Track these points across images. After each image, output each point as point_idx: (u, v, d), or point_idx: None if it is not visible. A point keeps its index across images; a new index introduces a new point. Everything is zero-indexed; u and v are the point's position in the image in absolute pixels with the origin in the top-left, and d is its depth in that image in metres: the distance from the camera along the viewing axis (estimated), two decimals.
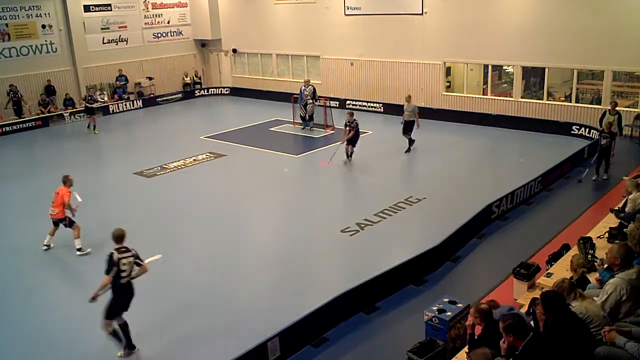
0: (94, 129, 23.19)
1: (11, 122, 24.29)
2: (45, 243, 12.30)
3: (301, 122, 22.15)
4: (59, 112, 25.76)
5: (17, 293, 10.71)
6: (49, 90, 26.23)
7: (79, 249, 11.99)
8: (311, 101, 21.64)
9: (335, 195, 14.90)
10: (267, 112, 25.25)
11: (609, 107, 16.35)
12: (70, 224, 12.12)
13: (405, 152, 18.04)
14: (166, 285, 10.54)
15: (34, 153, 21.45)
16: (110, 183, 16.86)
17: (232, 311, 9.64)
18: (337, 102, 25.29)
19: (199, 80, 31.57)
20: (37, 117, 24.99)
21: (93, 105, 23.84)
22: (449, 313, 7.53)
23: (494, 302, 6.83)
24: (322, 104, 22.00)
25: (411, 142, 18.20)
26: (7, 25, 24.98)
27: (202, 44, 31.96)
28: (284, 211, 14.40)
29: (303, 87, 21.89)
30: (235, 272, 11.07)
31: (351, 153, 17.25)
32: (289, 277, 10.78)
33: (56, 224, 12.25)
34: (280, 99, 26.71)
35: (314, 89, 21.92)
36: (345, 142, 17.17)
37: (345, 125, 17.23)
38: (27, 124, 24.47)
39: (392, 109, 23.52)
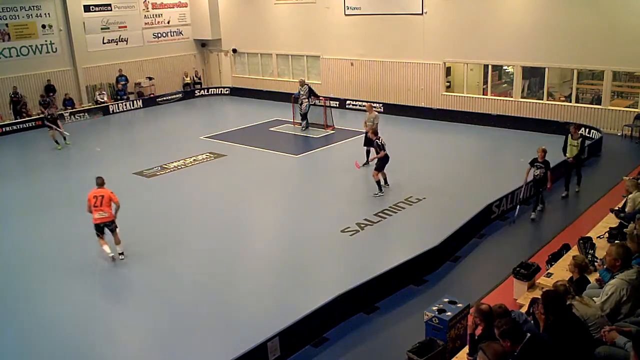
0: (65, 139, 21.28)
1: (11, 122, 24.33)
2: (110, 254, 11.44)
3: (301, 122, 22.11)
4: (59, 112, 25.72)
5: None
6: (49, 90, 26.24)
7: (122, 253, 11.53)
8: (306, 100, 21.62)
9: (335, 195, 14.89)
10: (267, 112, 25.25)
11: (571, 131, 13.81)
12: (115, 227, 11.53)
13: (363, 165, 16.45)
14: (165, 286, 10.55)
15: (33, 153, 21.41)
16: (110, 183, 16.79)
17: (232, 311, 9.64)
18: (337, 102, 25.30)
19: (199, 80, 31.57)
20: (37, 117, 24.99)
21: (55, 116, 21.36)
22: (449, 313, 7.53)
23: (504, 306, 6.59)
24: (321, 103, 22.00)
25: (368, 153, 16.45)
26: (7, 25, 25.00)
27: (202, 44, 31.97)
28: (284, 211, 14.40)
29: (299, 88, 21.90)
30: (235, 272, 11.07)
31: (381, 180, 14.54)
32: (289, 277, 10.78)
33: (101, 229, 11.44)
34: (280, 99, 26.70)
35: (310, 87, 21.90)
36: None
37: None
38: (27, 124, 24.47)
39: (393, 109, 23.56)
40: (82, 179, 16.24)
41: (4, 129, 23.74)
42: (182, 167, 17.72)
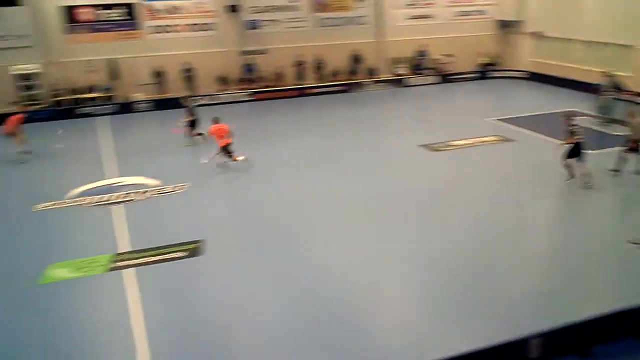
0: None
1: (319, 84, 27.26)
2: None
3: (601, 116, 20.38)
4: (362, 80, 27.94)
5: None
6: (355, 59, 28.45)
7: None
8: (610, 93, 19.81)
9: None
10: (565, 102, 23.73)
11: None
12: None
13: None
14: (428, 257, 10.92)
15: (333, 114, 23.61)
16: (395, 152, 17.85)
17: (494, 297, 9.53)
18: None
19: (496, 62, 31.02)
20: (342, 82, 27.50)
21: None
22: None
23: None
24: (628, 99, 19.97)
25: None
26: None
27: (505, 25, 31.17)
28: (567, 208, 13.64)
29: (604, 79, 20.19)
30: (502, 262, 10.88)
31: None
32: (560, 277, 10.28)
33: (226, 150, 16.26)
34: (582, 89, 24.83)
35: (617, 81, 19.96)
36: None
37: None
38: (333, 87, 27.16)
39: None
40: (369, 143, 17.41)
41: (314, 91, 26.49)
42: (467, 147, 17.85)
